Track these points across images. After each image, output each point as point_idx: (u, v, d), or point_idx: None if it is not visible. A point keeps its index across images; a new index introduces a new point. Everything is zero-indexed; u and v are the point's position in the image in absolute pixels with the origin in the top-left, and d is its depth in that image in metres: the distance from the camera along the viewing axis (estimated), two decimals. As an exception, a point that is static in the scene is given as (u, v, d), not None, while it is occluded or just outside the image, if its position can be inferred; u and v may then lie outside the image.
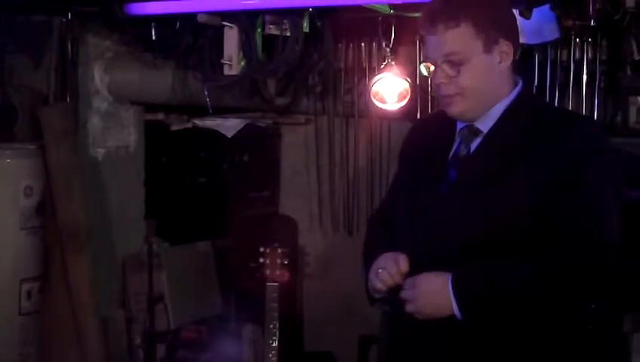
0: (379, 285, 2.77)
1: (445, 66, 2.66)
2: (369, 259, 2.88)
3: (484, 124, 2.74)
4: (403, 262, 2.73)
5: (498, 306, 2.62)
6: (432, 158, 2.81)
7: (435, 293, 2.64)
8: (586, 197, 2.59)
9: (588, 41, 4.58)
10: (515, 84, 2.78)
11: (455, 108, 2.73)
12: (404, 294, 2.70)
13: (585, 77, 4.61)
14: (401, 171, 3.02)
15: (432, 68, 2.72)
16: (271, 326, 4.44)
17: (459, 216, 2.68)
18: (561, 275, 2.58)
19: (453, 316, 2.63)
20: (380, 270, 2.75)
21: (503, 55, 2.69)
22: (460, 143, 2.78)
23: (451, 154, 2.78)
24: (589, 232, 2.58)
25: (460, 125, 2.80)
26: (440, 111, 2.93)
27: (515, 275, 2.60)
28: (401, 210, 2.87)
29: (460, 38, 2.64)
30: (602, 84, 4.66)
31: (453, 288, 2.61)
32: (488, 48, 2.66)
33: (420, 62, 4.28)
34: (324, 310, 5.90)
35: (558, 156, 2.59)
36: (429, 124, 3.05)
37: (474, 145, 2.75)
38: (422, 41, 2.77)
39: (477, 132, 2.75)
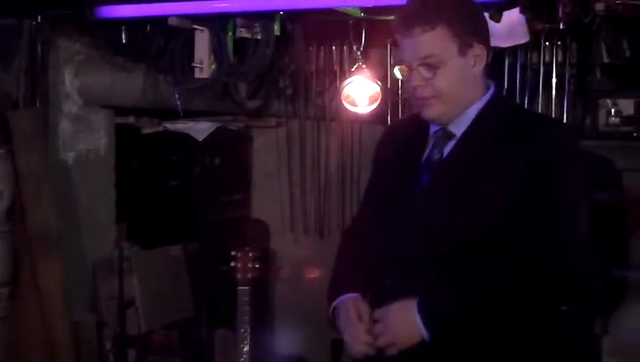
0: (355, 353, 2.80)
1: (421, 69, 2.67)
2: (333, 293, 2.90)
3: (458, 128, 2.75)
4: (365, 318, 2.77)
5: (465, 323, 2.64)
6: (405, 162, 2.82)
7: (403, 323, 2.66)
8: (554, 202, 2.61)
9: (558, 45, 4.61)
10: (487, 88, 2.80)
11: (431, 112, 2.73)
12: (376, 330, 2.73)
13: (555, 80, 4.63)
14: (375, 176, 3.03)
15: (407, 71, 2.74)
16: (242, 329, 4.43)
17: (432, 220, 2.69)
18: (525, 285, 2.61)
19: (424, 343, 2.65)
20: (347, 337, 2.79)
21: (477, 59, 2.72)
22: (433, 147, 2.79)
23: (424, 157, 2.80)
24: (555, 238, 2.60)
25: (433, 128, 2.81)
26: (412, 115, 2.95)
27: (479, 291, 2.62)
28: (376, 215, 2.88)
29: (436, 40, 2.65)
30: (572, 87, 4.69)
31: (419, 313, 2.63)
32: (463, 52, 2.68)
33: (394, 66, 4.31)
34: (296, 313, 5.89)
35: (529, 161, 2.60)
36: (401, 128, 3.07)
37: (447, 148, 2.76)
38: (395, 45, 2.76)
39: (450, 135, 2.76)
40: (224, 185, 6.18)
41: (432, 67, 2.66)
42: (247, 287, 4.41)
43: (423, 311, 2.63)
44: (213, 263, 5.57)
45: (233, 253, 4.46)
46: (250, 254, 4.44)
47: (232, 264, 4.44)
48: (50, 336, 4.70)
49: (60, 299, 4.73)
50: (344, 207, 5.66)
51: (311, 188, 5.80)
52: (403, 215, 2.76)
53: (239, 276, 4.42)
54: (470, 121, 2.74)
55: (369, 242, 2.90)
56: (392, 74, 4.81)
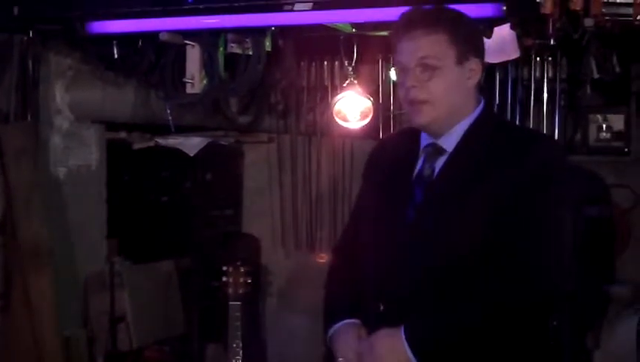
0: None
1: (418, 70, 2.70)
2: (329, 316, 2.93)
3: (448, 143, 2.76)
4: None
5: (454, 345, 2.64)
6: (395, 178, 2.83)
7: (391, 351, 2.66)
8: (534, 220, 2.63)
9: (548, 60, 4.63)
10: (478, 104, 2.82)
11: (422, 117, 2.74)
12: (365, 359, 2.73)
13: (545, 95, 4.66)
14: (365, 193, 3.03)
15: (402, 73, 2.76)
16: (234, 345, 4.43)
17: (426, 238, 2.69)
18: (512, 303, 2.62)
19: None
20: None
21: (472, 72, 2.76)
22: (424, 162, 2.80)
23: (415, 173, 2.80)
24: (533, 256, 2.62)
25: (423, 143, 2.82)
26: (401, 130, 2.98)
27: (462, 315, 2.63)
28: (368, 233, 2.88)
29: (435, 44, 2.69)
30: (562, 102, 4.71)
31: (406, 340, 2.63)
32: (460, 61, 2.72)
33: (389, 69, 4.31)
34: (287, 328, 5.89)
35: (517, 178, 2.63)
36: (390, 143, 3.07)
37: (438, 164, 2.77)
38: (393, 49, 2.76)
39: (441, 151, 2.77)
40: (215, 201, 6.18)
41: (429, 69, 2.69)
42: (238, 302, 4.41)
43: (410, 337, 2.63)
44: (204, 278, 5.57)
45: (224, 268, 4.46)
46: (242, 269, 4.44)
47: (224, 279, 4.44)
48: (41, 351, 4.68)
49: (51, 314, 4.72)
50: (335, 223, 5.66)
51: (302, 203, 5.80)
52: (396, 234, 2.75)
53: (230, 291, 4.42)
54: (460, 137, 2.76)
55: (361, 263, 2.88)
56: (384, 88, 4.83)
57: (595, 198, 4.62)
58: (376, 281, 2.78)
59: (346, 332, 2.83)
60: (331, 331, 2.88)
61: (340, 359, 2.80)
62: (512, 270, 2.60)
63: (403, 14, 2.79)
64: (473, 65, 2.76)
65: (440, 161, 2.77)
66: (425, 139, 2.82)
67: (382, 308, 2.75)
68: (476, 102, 2.81)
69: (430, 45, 2.69)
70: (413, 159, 2.83)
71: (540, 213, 2.64)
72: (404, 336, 2.63)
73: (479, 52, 2.80)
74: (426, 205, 2.73)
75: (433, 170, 2.77)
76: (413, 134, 2.88)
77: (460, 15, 2.79)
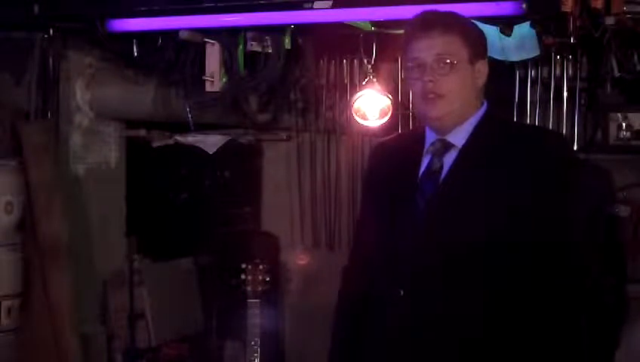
0: None
1: (435, 65, 2.80)
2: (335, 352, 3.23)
3: (457, 138, 2.86)
4: None
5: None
6: (402, 175, 2.91)
7: None
8: (559, 216, 2.73)
9: (568, 58, 4.61)
10: (482, 104, 2.92)
11: (437, 110, 2.82)
12: None
13: (565, 94, 4.64)
14: (369, 199, 3.11)
15: (418, 69, 2.83)
16: (252, 342, 4.44)
17: (440, 228, 2.77)
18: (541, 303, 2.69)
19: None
20: None
21: (480, 73, 2.88)
22: (432, 158, 2.88)
23: (423, 168, 2.88)
24: (564, 249, 2.72)
25: (429, 140, 2.90)
26: (400, 133, 3.04)
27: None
28: (378, 233, 2.93)
29: (451, 43, 2.81)
30: (582, 101, 4.69)
31: None
32: (472, 61, 2.84)
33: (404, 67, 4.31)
34: (306, 326, 5.89)
35: (532, 171, 2.72)
36: (391, 144, 3.15)
37: (447, 158, 2.85)
38: (406, 47, 2.86)
39: (450, 146, 2.86)
40: (234, 198, 6.18)
41: (447, 65, 2.80)
42: (257, 300, 4.42)
43: None
44: (223, 276, 5.57)
45: (243, 266, 4.47)
46: (261, 267, 4.45)
47: (242, 277, 4.45)
48: (60, 348, 4.70)
49: (71, 311, 4.74)
50: (354, 221, 5.64)
51: (321, 201, 5.79)
52: (408, 225, 2.82)
53: (249, 289, 4.43)
54: (469, 133, 2.86)
55: (374, 261, 2.94)
56: (403, 86, 4.82)
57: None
58: (394, 269, 2.83)
59: None
60: None
61: None
62: (545, 265, 2.69)
63: (418, 16, 2.91)
64: (481, 67, 2.88)
65: (449, 156, 2.85)
66: (431, 137, 2.91)
67: (402, 293, 2.80)
68: (481, 101, 2.92)
69: (447, 44, 2.81)
70: (417, 157, 2.91)
71: (564, 209, 2.74)
72: None
73: (485, 55, 2.92)
74: (438, 198, 2.80)
75: (442, 164, 2.85)
76: (414, 135, 2.99)
77: (469, 20, 2.94)
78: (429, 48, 2.81)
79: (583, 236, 2.78)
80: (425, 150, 2.91)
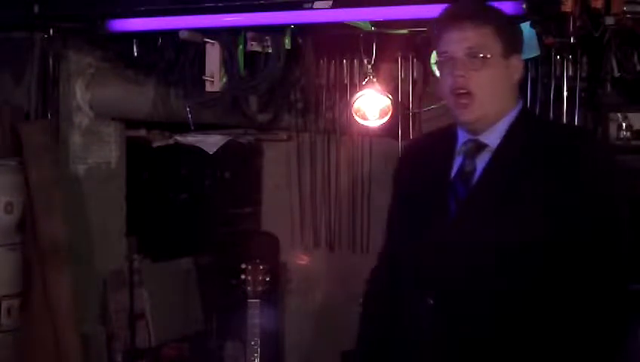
0: None
1: (466, 60, 2.69)
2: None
3: (490, 139, 2.74)
4: None
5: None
6: (433, 176, 2.80)
7: None
8: (604, 220, 2.62)
9: (568, 58, 4.60)
10: (518, 101, 2.82)
11: (471, 114, 2.72)
12: None
13: (565, 93, 4.63)
14: (398, 200, 2.98)
15: (448, 62, 2.73)
16: (252, 342, 4.43)
17: (473, 235, 2.66)
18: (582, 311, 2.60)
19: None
20: None
21: (515, 68, 2.76)
22: (464, 159, 2.77)
23: (455, 170, 2.78)
24: (608, 258, 2.60)
25: (461, 140, 2.80)
26: (430, 132, 2.97)
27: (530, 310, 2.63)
28: (408, 233, 2.83)
29: (484, 37, 2.69)
30: (583, 101, 4.69)
31: None
32: (505, 56, 2.71)
33: (432, 61, 4.29)
34: (306, 326, 5.89)
35: (572, 176, 2.61)
36: (422, 143, 3.07)
37: (480, 160, 2.75)
38: (436, 40, 2.77)
39: (483, 146, 2.75)
40: (234, 198, 6.19)
41: (479, 60, 2.68)
42: (257, 300, 4.42)
43: None
44: (223, 276, 5.57)
45: (243, 266, 4.47)
46: (261, 267, 4.45)
47: (243, 277, 4.45)
48: (60, 348, 4.70)
49: (71, 311, 4.74)
50: (354, 221, 5.65)
51: (321, 201, 5.78)
52: (439, 229, 2.72)
53: (249, 289, 4.43)
54: (503, 133, 2.74)
55: (402, 262, 2.85)
56: (403, 86, 4.82)
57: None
58: (423, 277, 2.73)
59: None
60: None
61: None
62: (591, 271, 2.59)
63: (449, 6, 2.79)
64: (516, 61, 2.76)
65: (483, 157, 2.74)
66: (463, 136, 2.80)
67: (431, 302, 2.70)
68: (516, 99, 2.81)
69: (479, 37, 2.68)
70: (448, 157, 2.80)
71: (609, 212, 2.63)
72: None
73: (520, 49, 2.81)
74: (472, 201, 2.71)
75: (475, 166, 2.74)
76: (445, 134, 2.87)
77: (503, 13, 2.81)
78: (459, 41, 2.69)
79: (622, 239, 2.65)
80: (456, 150, 2.80)
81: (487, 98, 2.70)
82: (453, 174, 2.77)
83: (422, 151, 2.96)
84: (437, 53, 2.76)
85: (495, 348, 2.63)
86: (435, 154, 2.85)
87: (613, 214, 2.63)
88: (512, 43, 2.75)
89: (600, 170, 2.65)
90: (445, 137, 2.84)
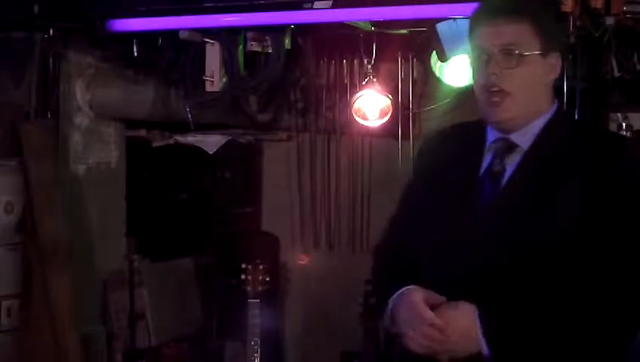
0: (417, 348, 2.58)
1: (501, 57, 2.54)
2: (383, 292, 2.71)
3: (522, 139, 2.62)
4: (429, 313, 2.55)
5: (529, 345, 2.52)
6: (458, 173, 2.68)
7: (462, 332, 2.51)
8: (632, 233, 2.52)
9: (568, 58, 4.60)
10: (553, 102, 2.69)
11: (503, 114, 2.58)
12: (431, 335, 2.53)
13: (565, 93, 4.63)
14: (420, 189, 2.82)
15: (483, 60, 2.58)
16: (252, 342, 4.44)
17: (501, 235, 2.56)
18: (600, 318, 2.51)
19: (480, 354, 2.52)
20: (411, 332, 2.56)
21: (553, 67, 2.62)
22: (493, 158, 2.65)
23: (483, 168, 2.66)
24: (632, 271, 2.51)
25: (491, 138, 2.67)
26: (457, 124, 2.86)
27: (548, 316, 2.51)
28: (430, 228, 2.70)
29: (520, 32, 2.54)
30: (583, 101, 4.69)
31: (481, 324, 2.50)
32: (543, 54, 2.57)
33: (432, 62, 4.24)
34: (306, 326, 5.89)
35: (605, 184, 2.50)
36: (446, 138, 2.88)
37: (511, 160, 2.62)
38: (472, 34, 2.62)
39: (514, 146, 2.63)
40: (234, 198, 6.19)
41: (514, 57, 2.53)
42: (257, 300, 4.42)
43: (486, 323, 2.49)
44: (223, 276, 5.58)
45: (243, 266, 4.47)
46: (261, 267, 4.45)
47: (243, 277, 4.46)
48: (60, 348, 4.70)
49: (71, 311, 4.74)
50: (354, 220, 5.65)
51: (321, 201, 5.79)
52: (465, 228, 2.60)
53: (249, 289, 4.43)
54: (536, 134, 2.61)
55: (421, 257, 2.71)
56: (403, 86, 4.82)
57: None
58: (446, 278, 2.61)
59: (409, 297, 2.59)
60: (391, 301, 2.65)
61: (407, 328, 2.57)
62: (614, 281, 2.49)
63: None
64: (554, 60, 2.61)
65: (513, 158, 2.62)
66: (493, 134, 2.66)
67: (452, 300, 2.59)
68: (552, 99, 2.68)
69: (515, 33, 2.53)
70: (476, 154, 2.67)
71: (634, 220, 2.52)
72: (478, 318, 2.49)
73: (561, 47, 2.68)
74: (499, 200, 2.60)
75: (504, 166, 2.63)
76: (474, 128, 2.74)
77: (545, 6, 2.66)
78: (494, 37, 2.54)
79: None
80: (486, 147, 2.66)
81: (521, 98, 2.56)
82: (481, 172, 2.66)
83: (448, 144, 2.80)
84: (471, 48, 2.62)
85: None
86: (462, 149, 2.71)
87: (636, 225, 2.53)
88: (552, 40, 2.59)
89: (635, 179, 2.54)
90: (474, 132, 2.71)
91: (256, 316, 4.43)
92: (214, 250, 5.92)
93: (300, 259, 5.79)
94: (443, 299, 2.56)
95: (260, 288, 4.42)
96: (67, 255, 4.74)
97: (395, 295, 2.64)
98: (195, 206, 6.04)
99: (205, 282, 5.85)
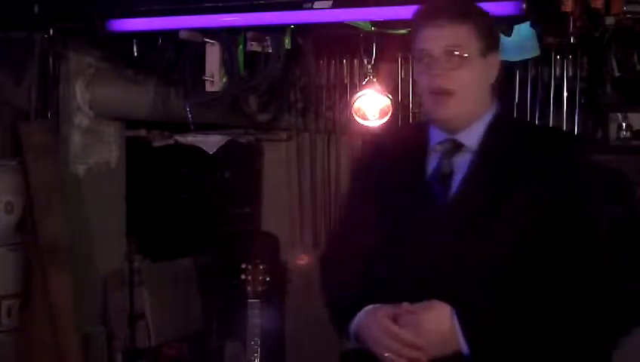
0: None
1: (445, 58, 2.61)
2: (344, 312, 2.77)
3: (469, 139, 2.66)
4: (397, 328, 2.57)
5: (508, 342, 2.53)
6: (403, 175, 2.70)
7: (440, 332, 2.53)
8: (589, 224, 2.59)
9: (568, 58, 4.61)
10: (494, 102, 2.75)
11: (446, 111, 2.63)
12: (405, 336, 2.54)
13: (565, 94, 4.64)
14: (363, 192, 2.83)
15: (426, 62, 2.64)
16: (252, 342, 4.43)
17: (461, 237, 2.57)
18: (571, 309, 2.55)
19: (458, 353, 2.53)
20: (387, 354, 2.56)
21: (493, 68, 2.70)
22: (441, 159, 2.68)
23: (431, 169, 2.68)
24: (594, 262, 2.57)
25: (436, 139, 2.70)
26: (399, 127, 2.89)
27: (525, 308, 2.54)
28: (381, 232, 2.70)
29: (463, 34, 2.61)
30: (583, 101, 4.69)
31: (460, 324, 2.51)
32: (484, 54, 2.64)
33: (409, 67, 4.26)
34: (306, 326, 5.89)
35: (559, 179, 2.56)
36: (389, 140, 2.91)
37: (459, 160, 2.66)
38: (414, 37, 2.68)
39: (460, 146, 2.67)
40: (234, 198, 6.19)
41: (457, 58, 2.60)
42: (257, 300, 4.42)
43: (464, 321, 2.51)
44: (223, 276, 5.57)
45: (243, 266, 4.47)
46: (261, 267, 4.45)
47: (243, 277, 4.45)
48: (60, 348, 4.70)
49: (71, 311, 4.74)
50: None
51: (321, 201, 5.79)
52: (420, 230, 2.62)
53: (249, 289, 4.43)
54: (482, 133, 2.67)
55: (375, 263, 2.71)
56: (403, 86, 4.83)
57: (621, 196, 4.60)
58: (405, 281, 2.61)
59: (375, 315, 2.62)
60: (355, 322, 2.69)
61: (387, 354, 2.56)
62: (576, 274, 2.54)
63: (428, 2, 2.72)
64: (494, 60, 2.69)
65: (461, 158, 2.66)
66: (438, 135, 2.70)
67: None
68: (493, 99, 2.74)
69: (458, 34, 2.61)
70: (420, 156, 2.71)
71: (593, 215, 2.61)
72: (456, 316, 2.51)
73: (499, 47, 2.74)
74: (457, 204, 2.62)
75: (452, 167, 2.66)
76: (414, 130, 2.81)
77: (482, 9, 2.72)
78: (438, 39, 2.61)
79: (606, 240, 2.61)
80: (430, 148, 2.70)
81: (465, 97, 2.63)
82: (428, 174, 2.69)
83: (391, 145, 2.84)
84: (414, 51, 2.68)
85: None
86: (404, 151, 2.75)
87: (589, 218, 2.60)
88: (491, 40, 2.68)
89: (577, 173, 2.61)
90: (415, 134, 2.76)
91: (256, 316, 4.43)
92: (214, 250, 5.92)
93: (300, 259, 5.79)
94: (407, 306, 2.57)
95: (259, 288, 4.42)
96: (67, 255, 4.75)
97: (360, 314, 2.67)
98: (195, 206, 6.04)
99: (205, 282, 5.85)
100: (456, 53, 2.59)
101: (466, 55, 2.60)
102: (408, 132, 2.85)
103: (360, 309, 2.68)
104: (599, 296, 2.57)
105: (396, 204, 2.68)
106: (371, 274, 2.70)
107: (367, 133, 5.08)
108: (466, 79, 2.62)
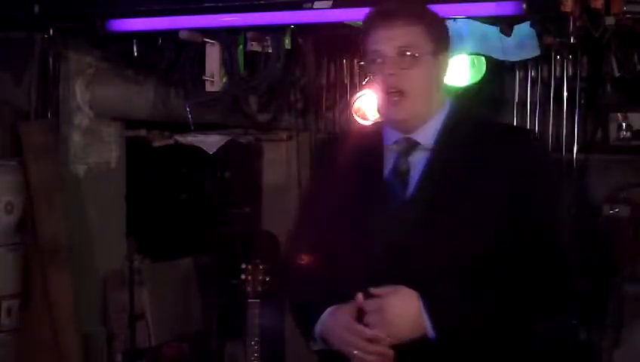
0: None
1: (398, 58, 2.63)
2: (308, 315, 2.82)
3: (424, 137, 2.70)
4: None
5: (473, 325, 2.57)
6: (360, 175, 2.74)
7: (407, 316, 2.56)
8: (549, 212, 2.67)
9: (568, 58, 4.61)
10: (446, 100, 2.78)
11: (400, 112, 2.66)
12: (371, 319, 2.58)
13: (565, 94, 4.64)
14: (321, 193, 2.88)
15: (379, 63, 2.68)
16: (252, 342, 4.43)
17: (421, 234, 2.60)
18: (533, 294, 2.61)
19: (424, 338, 2.55)
20: (355, 352, 2.59)
21: (444, 67, 2.74)
22: (398, 158, 2.71)
23: (388, 168, 2.72)
24: (554, 248, 2.64)
25: (391, 138, 2.74)
26: (354, 128, 2.92)
27: (491, 294, 2.58)
28: (342, 232, 2.73)
29: (415, 35, 2.64)
30: (582, 101, 4.69)
31: (426, 308, 2.54)
32: (436, 55, 2.67)
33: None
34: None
35: (515, 173, 2.61)
36: (344, 143, 2.93)
37: (415, 159, 2.69)
38: (366, 39, 2.71)
39: (416, 145, 2.70)
40: (234, 198, 6.19)
41: (409, 58, 2.63)
42: (257, 300, 4.42)
43: (430, 305, 2.54)
44: (223, 276, 5.58)
45: (243, 266, 4.47)
46: (261, 267, 4.45)
47: (242, 277, 4.45)
48: (61, 348, 4.71)
49: (71, 311, 4.74)
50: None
51: (321, 201, 5.78)
52: (381, 228, 2.65)
53: (249, 289, 4.43)
54: (437, 131, 2.70)
55: (337, 262, 2.75)
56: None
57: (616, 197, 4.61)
58: (368, 277, 2.62)
59: (336, 316, 2.66)
60: (319, 325, 2.72)
61: (355, 352, 2.58)
62: (536, 267, 2.59)
63: (380, 4, 2.74)
64: (445, 59, 2.74)
65: (418, 157, 2.69)
66: (392, 135, 2.74)
67: None
68: (446, 97, 2.78)
69: (410, 35, 2.64)
70: (376, 155, 2.75)
71: (552, 209, 2.69)
72: (422, 301, 2.54)
73: (449, 47, 2.78)
74: (416, 201, 2.65)
75: (409, 166, 2.69)
76: (369, 131, 2.88)
77: (433, 11, 2.77)
78: (390, 40, 2.64)
79: (567, 235, 2.72)
80: (386, 147, 2.74)
81: (418, 96, 2.66)
82: (386, 174, 2.72)
83: (347, 147, 2.86)
84: (366, 52, 2.71)
85: (436, 352, 2.58)
86: (359, 151, 2.79)
87: (547, 213, 2.66)
88: (442, 41, 2.72)
89: (540, 166, 2.69)
90: (370, 135, 2.82)
91: (256, 316, 4.43)
92: (214, 250, 5.92)
93: (300, 259, 5.77)
94: (374, 290, 2.59)
95: (259, 288, 4.42)
96: (67, 255, 4.75)
97: (323, 316, 2.71)
98: (194, 206, 6.04)
99: (205, 282, 5.85)
100: (408, 53, 2.63)
101: (417, 55, 2.63)
102: (365, 132, 2.89)
103: (324, 310, 2.72)
104: (558, 278, 2.64)
105: (356, 204, 2.72)
106: (333, 275, 2.74)
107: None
108: (419, 79, 2.65)
